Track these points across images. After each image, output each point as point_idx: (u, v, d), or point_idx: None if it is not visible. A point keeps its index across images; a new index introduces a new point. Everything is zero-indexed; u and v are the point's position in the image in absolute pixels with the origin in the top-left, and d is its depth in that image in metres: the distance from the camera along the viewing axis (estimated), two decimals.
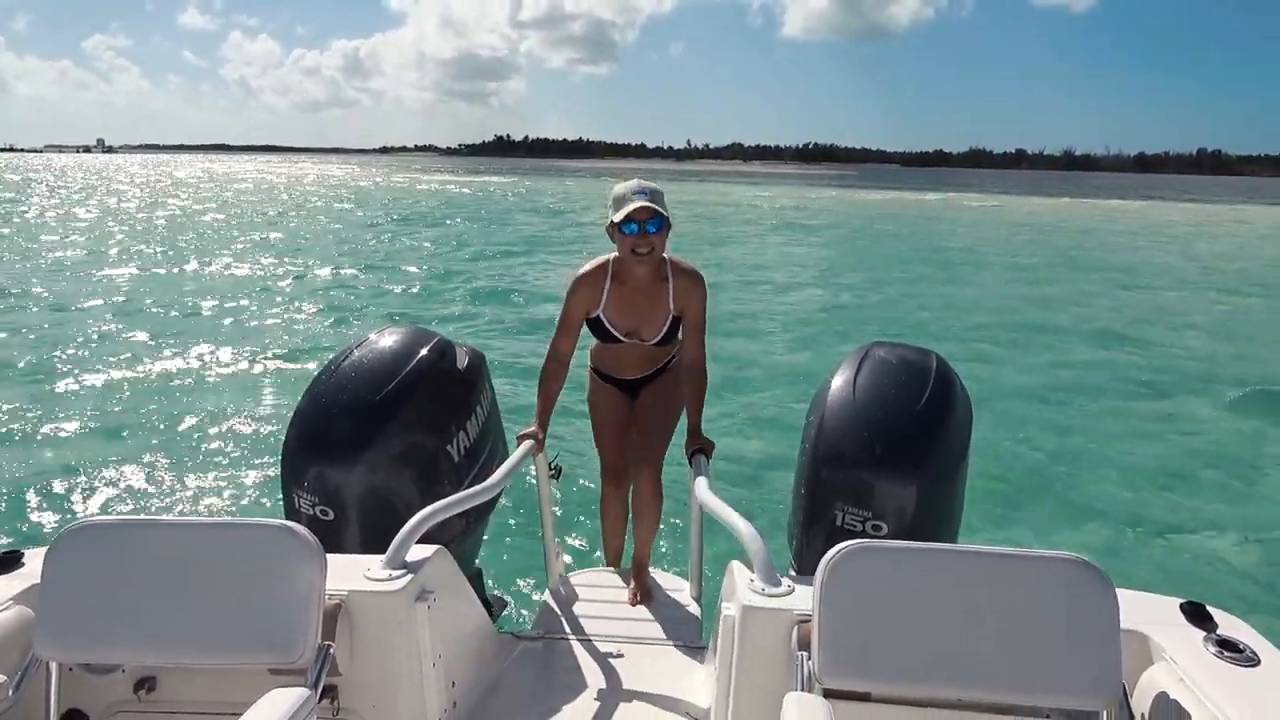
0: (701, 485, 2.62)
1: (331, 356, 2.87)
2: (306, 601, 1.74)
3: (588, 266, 3.08)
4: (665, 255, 3.06)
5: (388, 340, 2.88)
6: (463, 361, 2.97)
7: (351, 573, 2.05)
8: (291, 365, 9.98)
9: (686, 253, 3.21)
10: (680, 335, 3.18)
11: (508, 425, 3.22)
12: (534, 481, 3.30)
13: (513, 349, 10.75)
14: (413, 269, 18.64)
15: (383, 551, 2.11)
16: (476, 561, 3.18)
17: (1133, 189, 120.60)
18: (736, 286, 17.17)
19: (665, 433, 3.28)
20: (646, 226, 2.90)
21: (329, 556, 1.81)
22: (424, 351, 2.84)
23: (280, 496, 2.69)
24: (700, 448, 2.98)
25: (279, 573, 1.75)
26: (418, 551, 2.14)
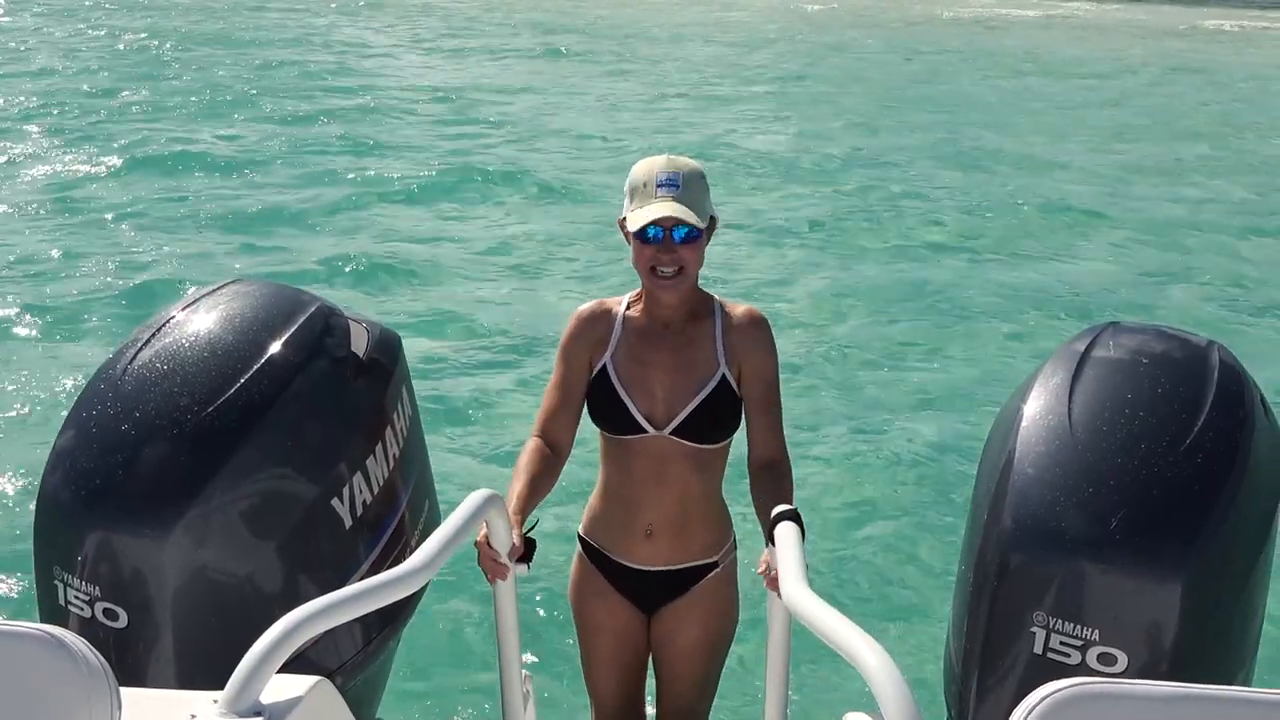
0: (792, 577, 2.39)
1: (121, 344, 2.69)
2: None
3: (593, 302, 3.18)
4: (713, 294, 3.10)
5: (224, 310, 2.72)
6: (363, 347, 2.83)
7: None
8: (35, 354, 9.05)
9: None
10: (736, 422, 3.07)
11: (441, 472, 3.14)
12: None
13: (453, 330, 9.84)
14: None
15: (217, 684, 1.97)
16: (379, 711, 3.10)
17: None
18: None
19: (711, 679, 3.30)
20: (673, 233, 2.92)
21: (124, 692, 1.73)
22: (290, 332, 2.70)
23: (33, 587, 2.60)
24: (789, 514, 2.80)
25: (35, 714, 1.66)
26: (281, 686, 2.03)
